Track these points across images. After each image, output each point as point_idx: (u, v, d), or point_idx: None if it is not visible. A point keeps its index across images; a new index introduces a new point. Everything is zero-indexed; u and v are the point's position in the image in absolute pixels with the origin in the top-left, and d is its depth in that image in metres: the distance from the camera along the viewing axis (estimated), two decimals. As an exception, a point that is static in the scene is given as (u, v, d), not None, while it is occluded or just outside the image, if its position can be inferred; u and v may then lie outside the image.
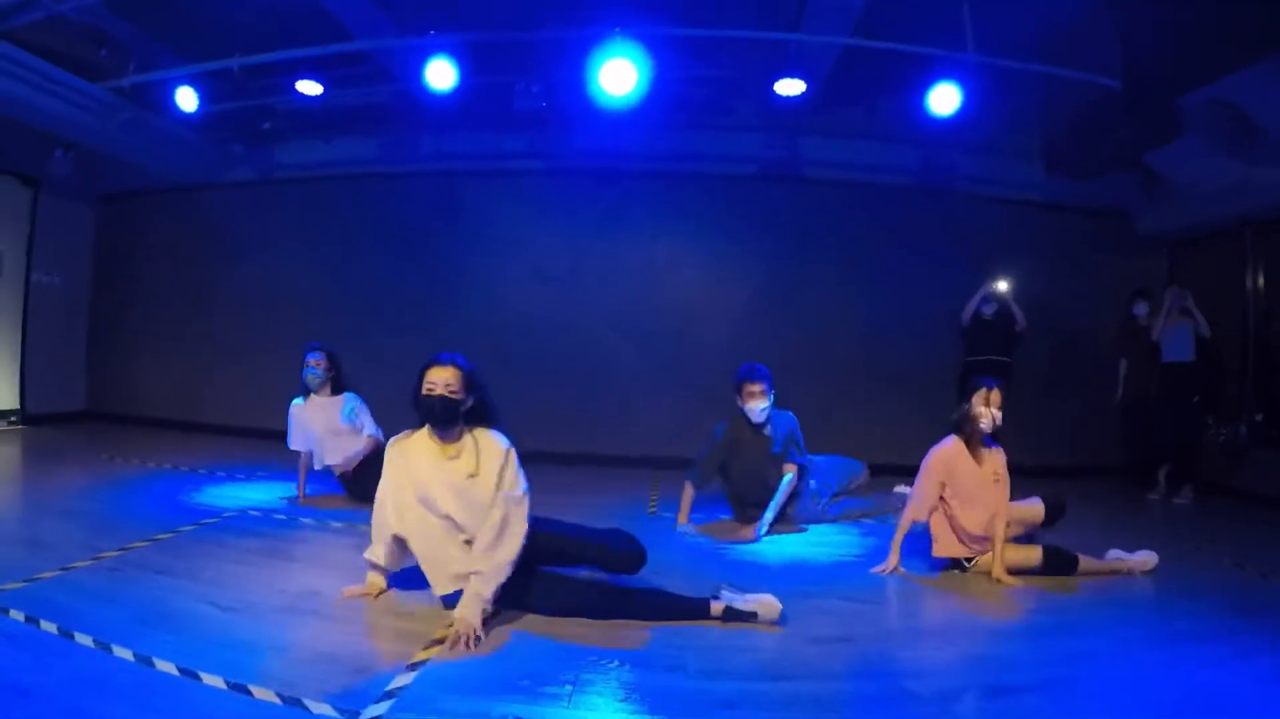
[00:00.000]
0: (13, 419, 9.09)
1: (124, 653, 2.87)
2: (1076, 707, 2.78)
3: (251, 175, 9.33)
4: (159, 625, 3.17)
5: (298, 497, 5.85)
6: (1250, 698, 2.87)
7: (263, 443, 8.50)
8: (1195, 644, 3.43)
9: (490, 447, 3.51)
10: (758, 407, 5.30)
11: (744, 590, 3.54)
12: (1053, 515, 4.66)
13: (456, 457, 3.49)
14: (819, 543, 5.15)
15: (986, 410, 4.36)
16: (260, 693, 2.60)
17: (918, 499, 4.40)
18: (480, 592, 3.24)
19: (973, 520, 4.33)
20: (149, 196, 9.80)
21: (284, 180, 9.24)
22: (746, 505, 5.53)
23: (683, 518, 5.41)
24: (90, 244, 10.18)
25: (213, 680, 2.68)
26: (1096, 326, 8.25)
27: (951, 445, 4.44)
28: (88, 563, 3.97)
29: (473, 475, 3.44)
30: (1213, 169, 7.17)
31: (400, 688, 2.68)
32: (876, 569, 4.41)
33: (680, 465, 7.73)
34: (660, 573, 3.87)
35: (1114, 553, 4.58)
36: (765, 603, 3.45)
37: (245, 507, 5.51)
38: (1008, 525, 4.38)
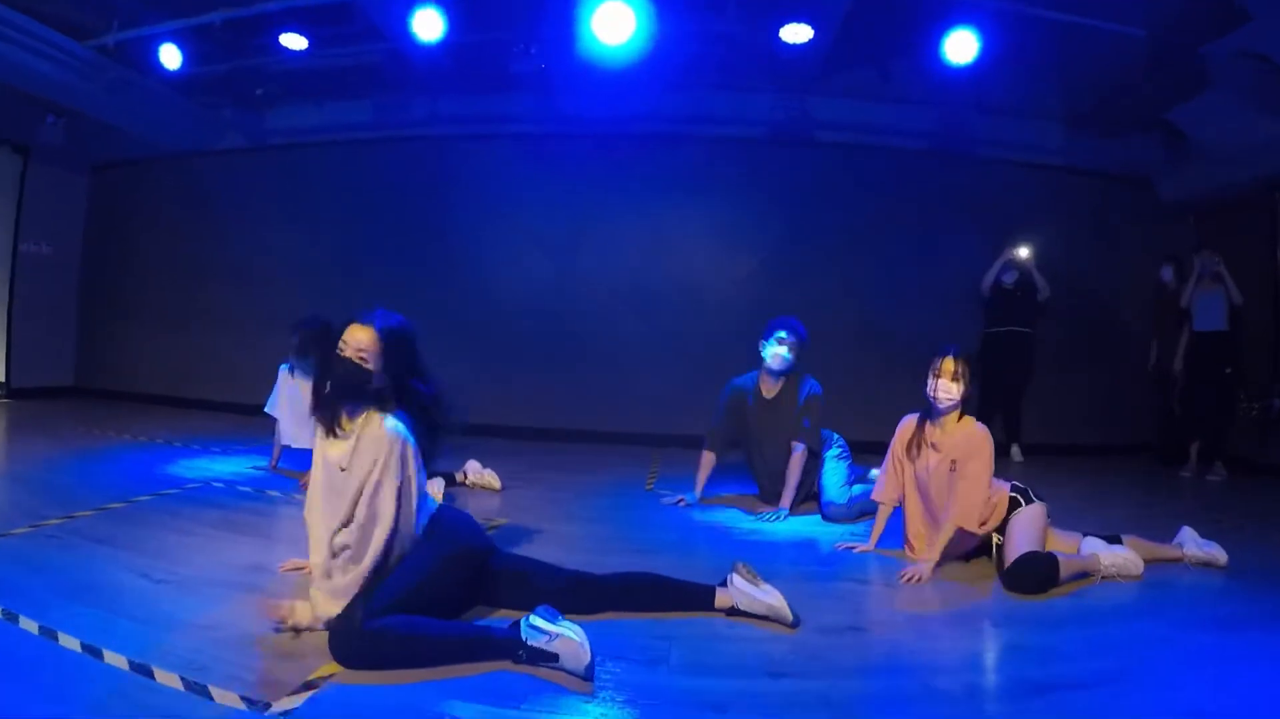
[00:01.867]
0: (-2, 393, 8.88)
1: (29, 625, 2.59)
2: (1140, 703, 2.37)
3: (243, 142, 9.06)
4: (79, 597, 2.88)
5: (269, 465, 5.58)
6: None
7: (251, 419, 8.30)
8: (1257, 628, 3.07)
9: (375, 434, 2.70)
10: (779, 353, 4.88)
11: (758, 577, 2.97)
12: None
13: (343, 438, 2.77)
14: (824, 524, 4.78)
15: (933, 380, 3.74)
16: (163, 676, 2.27)
17: (879, 480, 4.02)
18: (319, 613, 2.62)
19: (913, 512, 3.87)
20: (141, 165, 9.55)
21: (276, 147, 8.97)
22: (760, 478, 5.18)
23: (698, 488, 5.06)
24: (82, 214, 9.96)
25: (115, 659, 2.37)
26: (1119, 297, 7.97)
27: (911, 421, 3.94)
28: (25, 530, 3.71)
29: (343, 469, 2.73)
30: (1240, 125, 6.78)
31: (325, 678, 2.33)
32: (842, 545, 4.07)
33: (681, 442, 7.47)
34: (653, 553, 3.61)
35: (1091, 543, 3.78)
36: (777, 607, 2.90)
37: (211, 478, 5.24)
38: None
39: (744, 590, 2.93)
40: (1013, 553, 3.47)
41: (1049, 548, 3.60)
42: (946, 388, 3.68)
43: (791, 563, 3.82)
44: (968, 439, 3.70)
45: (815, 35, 6.34)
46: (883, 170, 7.96)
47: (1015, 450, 7.39)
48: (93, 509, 4.17)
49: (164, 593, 2.98)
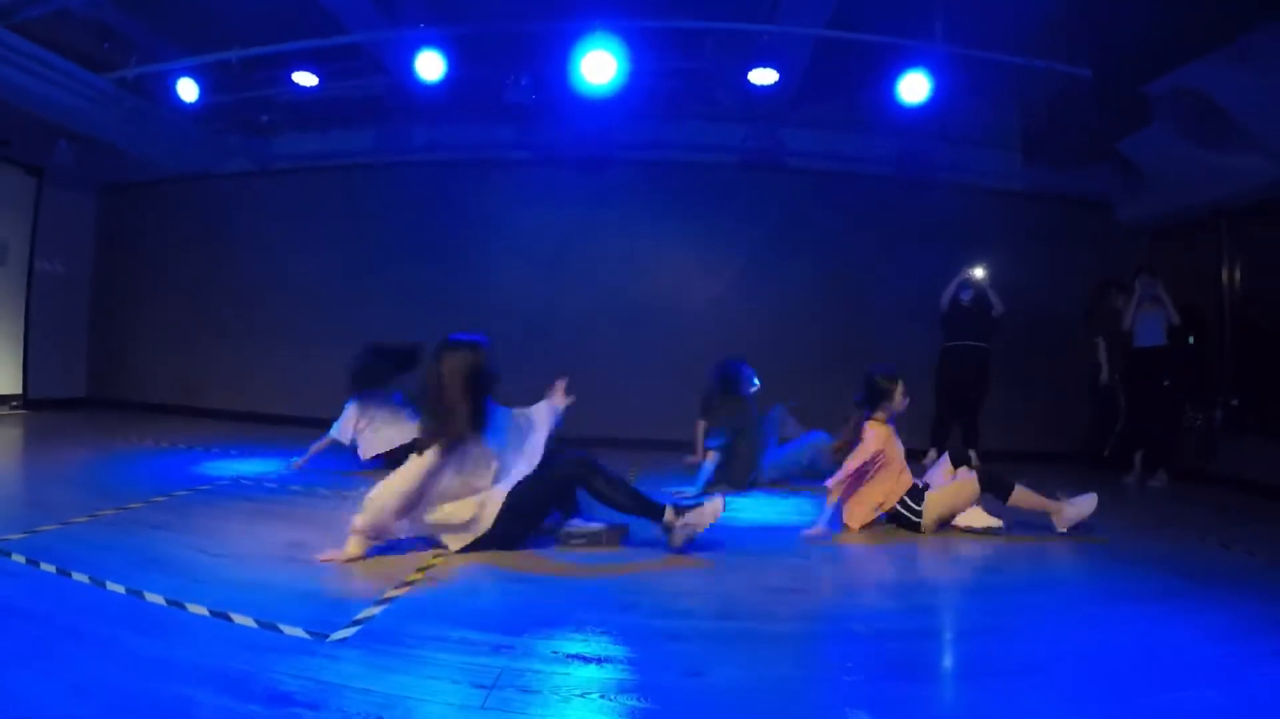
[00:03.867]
0: (15, 404, 9.32)
1: (116, 588, 3.08)
2: (1018, 651, 2.88)
3: (249, 166, 9.58)
4: (150, 568, 3.37)
5: (296, 463, 6.17)
6: (1199, 651, 2.90)
7: (261, 427, 8.79)
8: (1145, 602, 3.51)
9: None
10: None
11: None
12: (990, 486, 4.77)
13: None
14: (791, 511, 5.38)
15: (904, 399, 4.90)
16: (240, 618, 2.82)
17: (848, 473, 4.67)
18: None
19: (886, 486, 4.74)
20: (150, 187, 10.04)
21: (280, 171, 9.50)
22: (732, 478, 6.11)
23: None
24: (92, 233, 10.43)
25: (197, 609, 2.89)
26: (1075, 314, 8.38)
27: (887, 424, 4.88)
28: (85, 519, 4.17)
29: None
30: (1183, 157, 7.28)
31: (368, 617, 2.89)
32: (807, 533, 4.59)
33: (659, 448, 7.98)
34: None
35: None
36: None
37: (238, 475, 5.76)
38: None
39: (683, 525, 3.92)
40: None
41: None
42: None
43: (758, 544, 4.40)
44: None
45: (782, 76, 6.90)
46: (850, 195, 8.52)
47: (973, 457, 7.85)
48: (140, 501, 4.67)
49: (223, 564, 3.51)
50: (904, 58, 6.69)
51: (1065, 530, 4.71)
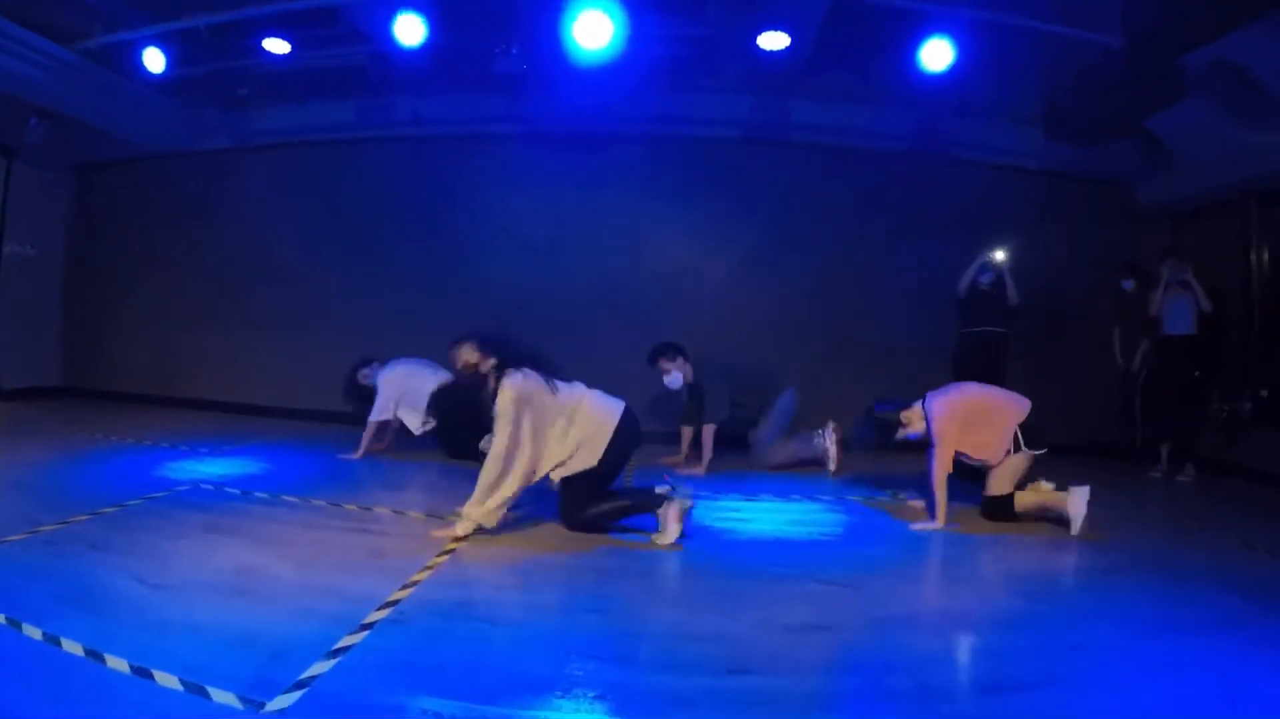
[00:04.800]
0: (-15, 394, 8.89)
1: (33, 632, 2.70)
2: (1082, 706, 2.50)
3: (228, 142, 9.07)
4: (79, 603, 3.00)
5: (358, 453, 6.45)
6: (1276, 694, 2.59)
7: (239, 418, 8.39)
8: (1208, 633, 3.14)
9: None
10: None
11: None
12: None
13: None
14: (798, 520, 4.92)
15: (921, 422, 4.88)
16: (163, 678, 2.39)
17: (947, 452, 4.69)
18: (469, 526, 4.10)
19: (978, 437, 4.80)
20: (127, 166, 9.53)
21: (260, 148, 8.98)
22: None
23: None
24: (67, 214, 9.93)
25: (116, 664, 2.48)
26: (1094, 299, 7.95)
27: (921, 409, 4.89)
28: (22, 536, 3.80)
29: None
30: (1216, 134, 6.88)
31: (315, 676, 2.45)
32: (918, 526, 4.69)
33: (657, 440, 7.55)
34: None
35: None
36: (666, 535, 4.17)
37: (199, 479, 5.31)
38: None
39: (670, 515, 4.16)
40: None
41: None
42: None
43: (765, 562, 3.94)
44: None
45: (793, 42, 6.41)
46: (861, 171, 8.01)
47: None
48: (87, 514, 4.25)
49: (159, 598, 3.08)
50: (922, 23, 6.21)
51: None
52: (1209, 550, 4.51)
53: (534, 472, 4.16)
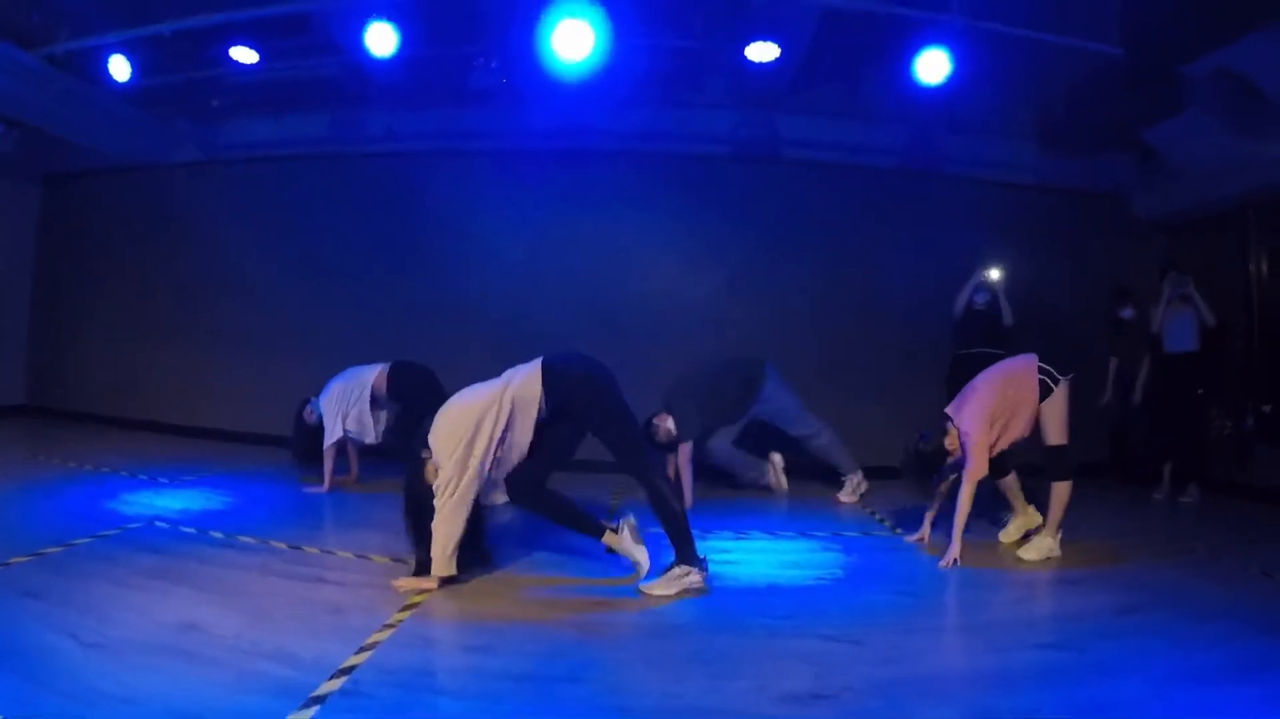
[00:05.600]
0: (-57, 414, 8.55)
1: (-51, 699, 2.40)
2: None
3: (199, 155, 8.79)
4: (4, 663, 2.72)
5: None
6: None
7: (203, 442, 8.13)
8: (1234, 680, 2.92)
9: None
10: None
11: (640, 537, 4.07)
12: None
13: None
14: (793, 563, 4.63)
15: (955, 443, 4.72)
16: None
17: (981, 461, 4.56)
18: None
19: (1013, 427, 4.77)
20: (97, 177, 9.23)
21: (232, 160, 8.71)
22: None
23: None
24: (34, 226, 9.64)
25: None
26: (1091, 314, 7.78)
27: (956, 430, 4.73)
28: (-48, 582, 3.49)
29: None
30: (1215, 145, 6.74)
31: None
32: (945, 564, 4.45)
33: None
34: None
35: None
36: (642, 564, 4.02)
37: (155, 515, 4.98)
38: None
39: (626, 543, 4.02)
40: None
41: None
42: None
43: (757, 614, 3.65)
44: None
45: (783, 54, 6.19)
46: (852, 188, 7.81)
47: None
48: (28, 554, 3.95)
49: (93, 660, 2.79)
50: (914, 33, 6.00)
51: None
52: (1224, 583, 4.29)
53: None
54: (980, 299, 7.17)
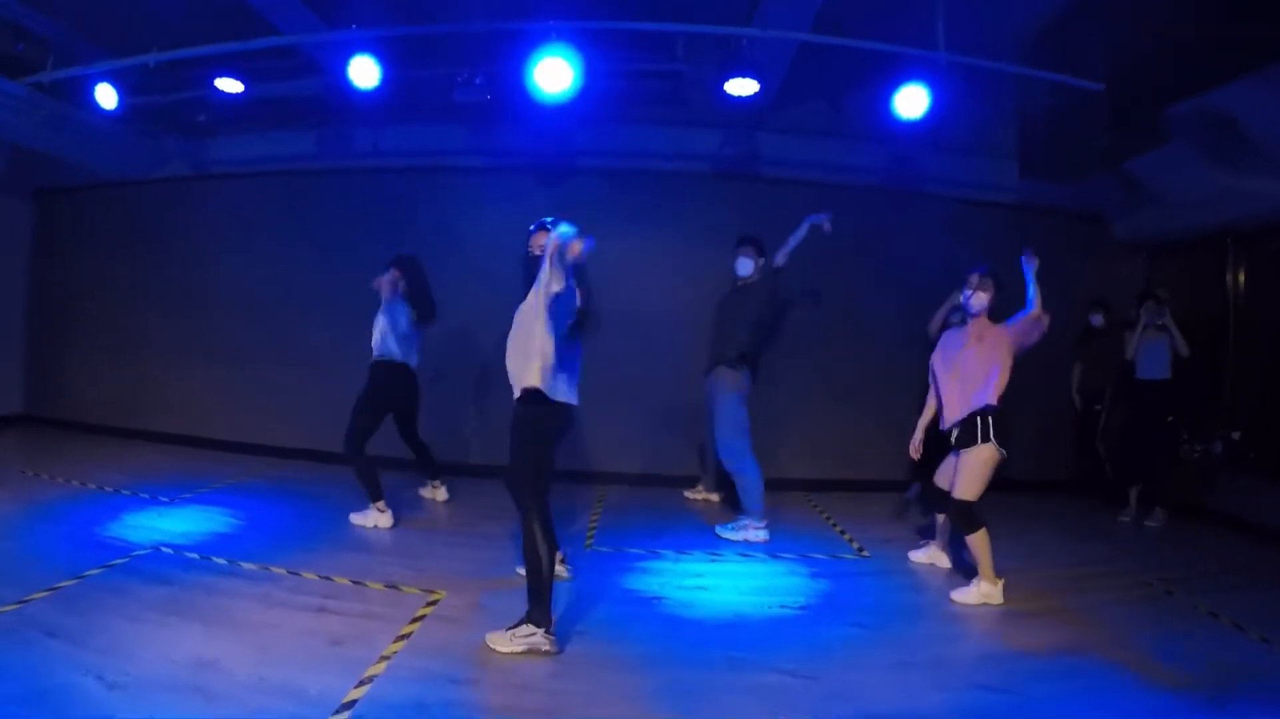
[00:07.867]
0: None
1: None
2: None
3: (187, 170, 8.94)
4: (36, 706, 2.92)
5: None
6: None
7: (199, 453, 8.27)
8: None
9: None
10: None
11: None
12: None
13: None
14: (760, 589, 4.84)
15: (968, 292, 5.33)
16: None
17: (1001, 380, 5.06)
18: None
19: (950, 393, 5.20)
20: (88, 191, 9.35)
21: (220, 176, 8.84)
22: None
23: None
24: (28, 238, 9.78)
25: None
26: (1068, 333, 7.80)
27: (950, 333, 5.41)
28: (-14, 619, 3.67)
29: None
30: (1196, 178, 6.93)
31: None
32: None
33: (627, 481, 7.48)
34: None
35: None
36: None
37: (160, 541, 5.13)
38: None
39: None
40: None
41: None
42: (978, 297, 5.17)
43: (722, 646, 3.87)
44: (996, 331, 5.18)
45: (760, 85, 6.32)
46: (831, 206, 7.79)
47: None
48: (45, 590, 4.10)
49: (115, 701, 3.01)
50: (895, 64, 6.03)
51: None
52: (1170, 623, 4.51)
53: None
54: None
